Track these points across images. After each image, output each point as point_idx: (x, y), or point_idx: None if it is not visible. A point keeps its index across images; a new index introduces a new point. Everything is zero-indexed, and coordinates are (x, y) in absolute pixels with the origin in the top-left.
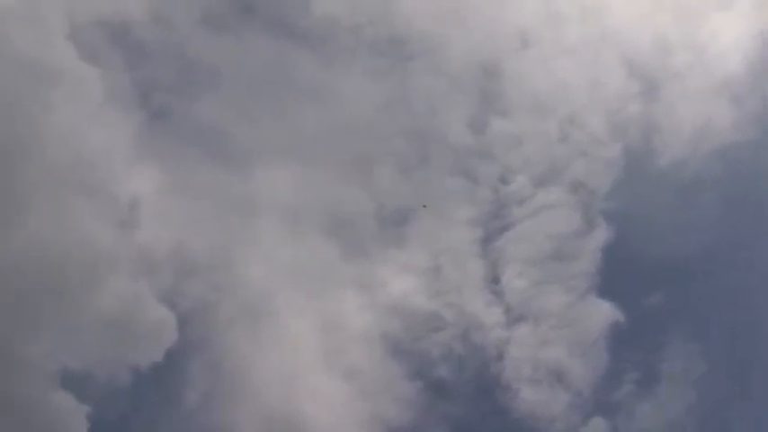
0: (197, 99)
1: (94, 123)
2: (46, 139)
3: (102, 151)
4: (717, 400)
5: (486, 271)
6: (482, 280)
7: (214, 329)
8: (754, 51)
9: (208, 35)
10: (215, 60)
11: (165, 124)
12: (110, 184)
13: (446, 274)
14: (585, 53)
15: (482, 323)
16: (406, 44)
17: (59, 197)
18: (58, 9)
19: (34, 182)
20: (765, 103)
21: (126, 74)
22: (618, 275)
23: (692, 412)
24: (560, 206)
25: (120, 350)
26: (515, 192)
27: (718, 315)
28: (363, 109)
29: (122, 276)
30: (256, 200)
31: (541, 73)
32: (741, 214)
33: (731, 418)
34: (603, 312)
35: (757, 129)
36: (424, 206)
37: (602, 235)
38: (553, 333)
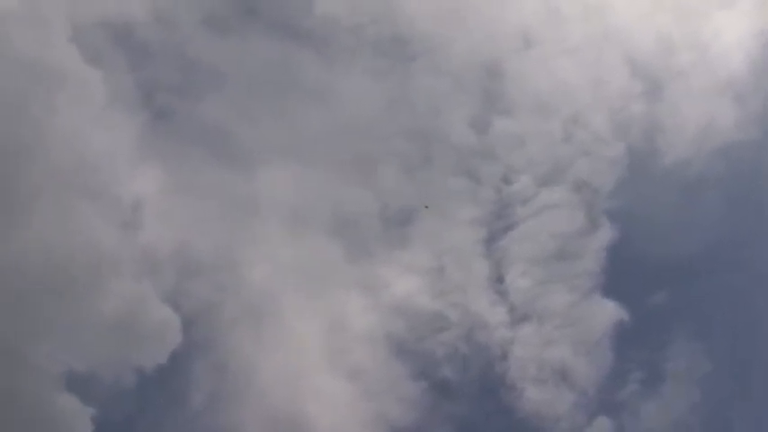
0: (200, 100)
1: (98, 125)
2: (49, 141)
3: (105, 153)
4: (721, 399)
5: (490, 271)
6: (486, 280)
7: (218, 330)
8: (757, 50)
9: (210, 36)
10: (217, 61)
11: (168, 125)
12: (113, 186)
13: (450, 274)
14: (588, 53)
15: (486, 323)
16: (408, 44)
17: (63, 199)
18: (61, 11)
19: (38, 184)
20: None
21: (129, 75)
22: (622, 275)
23: (697, 411)
24: (564, 206)
25: (124, 352)
26: (519, 191)
27: (722, 314)
28: (366, 109)
29: (126, 278)
30: (260, 200)
31: (544, 73)
32: (744, 213)
33: (735, 417)
34: (608, 312)
35: (760, 128)
36: (426, 207)
37: (605, 234)
38: (557, 332)
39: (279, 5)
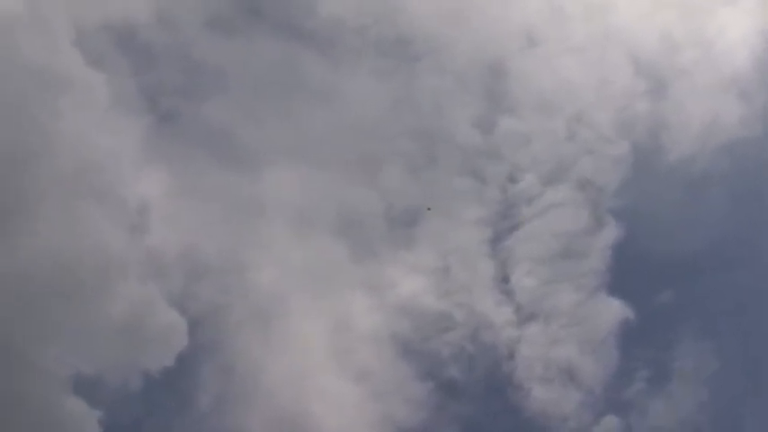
0: (204, 101)
1: (102, 128)
2: (54, 145)
3: (110, 156)
4: (729, 397)
5: (496, 270)
6: (492, 279)
7: (225, 332)
8: (761, 47)
9: (214, 38)
10: (221, 63)
11: (173, 127)
12: (119, 189)
13: (455, 274)
14: (592, 51)
15: (492, 322)
16: (412, 44)
17: (69, 203)
18: (64, 15)
19: (43, 188)
20: None
21: (133, 78)
22: (627, 273)
23: (705, 409)
24: (569, 204)
25: (131, 354)
26: (524, 191)
27: (728, 311)
28: (371, 109)
29: (133, 281)
30: (265, 202)
31: (548, 71)
32: (750, 210)
33: (743, 415)
34: (614, 310)
35: (765, 124)
36: (429, 209)
37: (610, 232)
38: (564, 331)
39: (283, 6)
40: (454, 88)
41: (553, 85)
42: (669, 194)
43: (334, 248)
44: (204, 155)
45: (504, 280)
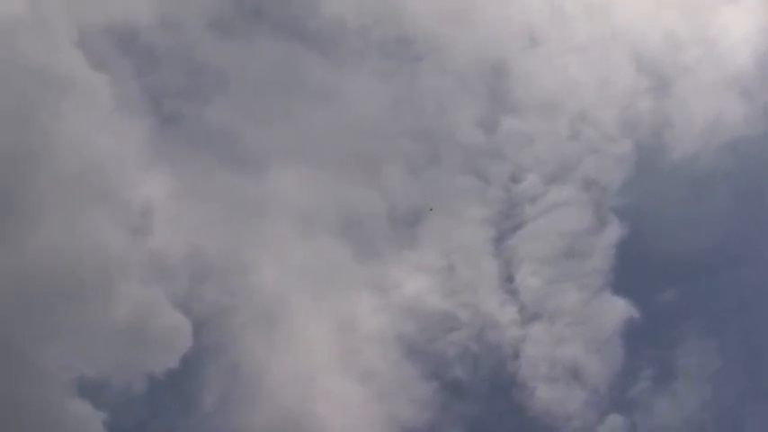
0: (207, 103)
1: (105, 130)
2: (57, 147)
3: (113, 158)
4: (734, 396)
5: (500, 270)
6: (496, 279)
7: (229, 334)
8: (764, 45)
9: (216, 39)
10: (224, 64)
11: (176, 129)
12: (122, 191)
13: (460, 274)
14: (594, 50)
15: (497, 322)
16: (413, 44)
17: (72, 205)
18: (67, 17)
19: (46, 190)
20: None
21: (135, 80)
22: (631, 272)
23: (709, 408)
24: (572, 204)
25: (135, 357)
26: (527, 190)
27: (732, 310)
28: (373, 110)
29: (136, 283)
30: (268, 202)
31: (550, 71)
32: (754, 208)
33: (748, 413)
34: (618, 309)
35: None
36: (431, 210)
37: (614, 231)
38: (568, 331)
39: (285, 7)
40: (456, 88)
41: (556, 85)
42: (673, 193)
43: (338, 249)
44: (207, 156)
45: (508, 279)
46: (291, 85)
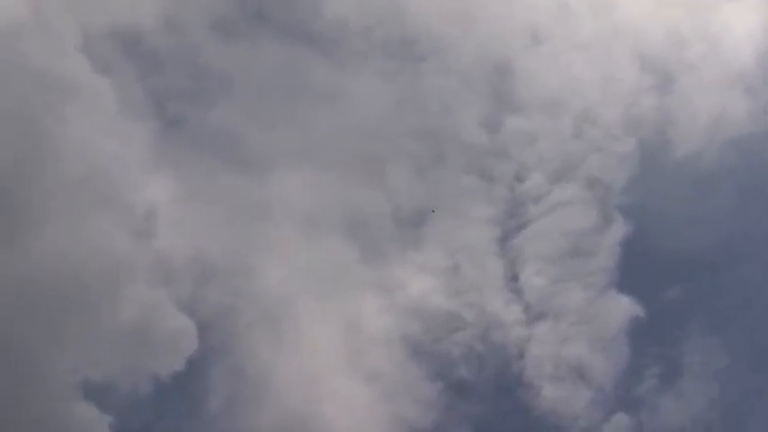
0: (211, 106)
1: (109, 134)
2: (61, 151)
3: (117, 161)
4: (740, 393)
5: (505, 269)
6: (501, 279)
7: (234, 336)
8: (766, 42)
9: (219, 41)
10: (227, 66)
11: (180, 132)
12: (126, 194)
13: (464, 274)
14: (597, 48)
15: (502, 322)
16: (416, 44)
17: (76, 208)
18: (70, 20)
19: (51, 194)
20: None
21: (139, 83)
22: (636, 270)
23: (716, 406)
24: (576, 202)
25: (140, 359)
26: (531, 189)
27: (738, 307)
28: (376, 110)
29: (141, 285)
30: (273, 204)
31: (553, 69)
32: (758, 205)
33: (755, 411)
34: (623, 307)
35: None
36: (433, 211)
37: (619, 230)
38: (573, 330)
39: (287, 9)
40: (460, 88)
41: (559, 83)
42: (677, 191)
43: (343, 250)
44: (211, 159)
45: (513, 279)
46: (295, 87)
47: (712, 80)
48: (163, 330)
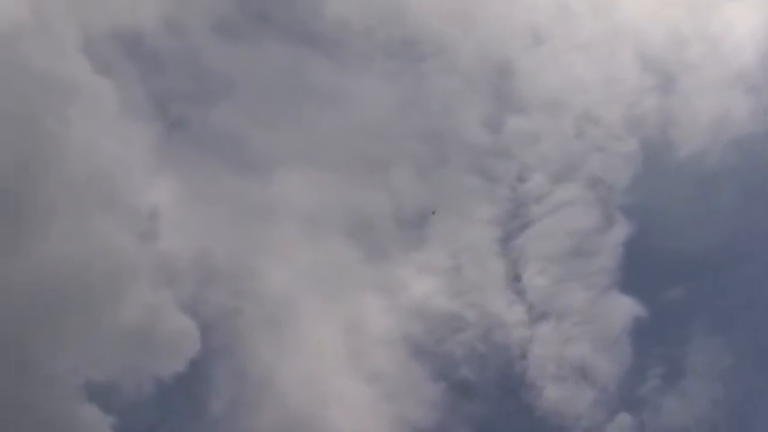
0: (213, 107)
1: (112, 136)
2: (64, 153)
3: (120, 163)
4: (743, 393)
5: (507, 270)
6: (503, 279)
7: (237, 337)
8: (767, 43)
9: (221, 43)
10: (230, 68)
11: (182, 133)
12: (129, 196)
13: (467, 274)
14: (599, 48)
15: (504, 322)
16: (418, 45)
17: (79, 210)
18: (72, 22)
19: (54, 196)
20: None
21: (141, 85)
22: (639, 270)
23: (719, 406)
24: (579, 202)
25: (143, 360)
26: (533, 189)
27: (740, 307)
28: (378, 111)
29: (144, 287)
30: (276, 206)
31: (555, 69)
32: (761, 205)
33: (758, 411)
34: (626, 308)
35: None
36: (433, 212)
37: (621, 230)
38: (576, 330)
39: (289, 10)
40: (462, 88)
41: (561, 83)
42: (679, 191)
43: (346, 251)
44: (214, 160)
45: (515, 279)
46: (297, 88)
47: (714, 80)
48: (166, 331)
